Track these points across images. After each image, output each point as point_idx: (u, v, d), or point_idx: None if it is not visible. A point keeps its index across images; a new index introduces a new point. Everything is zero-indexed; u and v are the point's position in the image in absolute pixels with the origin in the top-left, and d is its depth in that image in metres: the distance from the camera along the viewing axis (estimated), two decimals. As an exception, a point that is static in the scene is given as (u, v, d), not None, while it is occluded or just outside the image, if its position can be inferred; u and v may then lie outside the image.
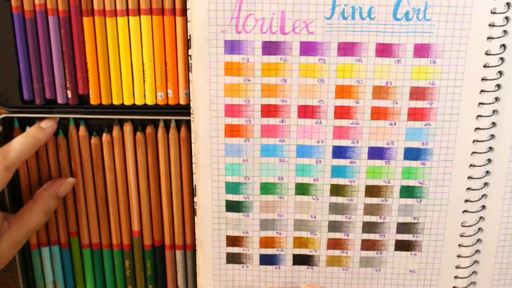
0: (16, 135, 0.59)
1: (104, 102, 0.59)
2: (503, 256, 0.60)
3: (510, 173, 0.57)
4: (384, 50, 0.54)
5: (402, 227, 0.59)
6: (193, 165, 0.58)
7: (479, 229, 0.59)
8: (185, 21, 0.56)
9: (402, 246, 0.60)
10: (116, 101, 0.59)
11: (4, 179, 0.56)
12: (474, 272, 0.60)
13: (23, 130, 0.60)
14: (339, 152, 0.57)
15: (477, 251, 0.60)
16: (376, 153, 0.57)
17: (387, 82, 0.55)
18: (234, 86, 0.56)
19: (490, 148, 0.57)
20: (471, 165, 0.57)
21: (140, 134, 0.60)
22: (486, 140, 0.56)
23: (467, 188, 0.58)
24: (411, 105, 0.56)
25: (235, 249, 0.60)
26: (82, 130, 0.60)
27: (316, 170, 0.58)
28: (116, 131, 0.60)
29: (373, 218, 0.59)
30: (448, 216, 0.59)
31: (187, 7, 0.54)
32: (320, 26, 0.54)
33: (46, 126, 0.58)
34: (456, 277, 0.60)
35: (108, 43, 0.57)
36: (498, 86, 0.55)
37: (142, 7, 0.56)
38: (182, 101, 0.59)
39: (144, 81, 0.58)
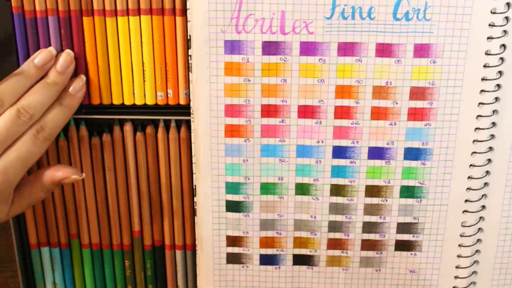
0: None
1: (104, 102, 0.59)
2: (503, 256, 0.60)
3: (510, 173, 0.57)
4: (384, 50, 0.54)
5: (402, 227, 0.59)
6: (193, 165, 0.58)
7: (479, 229, 0.59)
8: (185, 21, 0.56)
9: (402, 246, 0.60)
10: (116, 101, 0.59)
11: (42, 150, 0.54)
12: (474, 272, 0.60)
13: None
14: (339, 152, 0.57)
15: (477, 251, 0.60)
16: (376, 153, 0.57)
17: (387, 82, 0.55)
18: (234, 86, 0.56)
19: (490, 148, 0.57)
20: (471, 165, 0.57)
21: (140, 134, 0.60)
22: (486, 140, 0.56)
23: (467, 188, 0.58)
24: (411, 105, 0.56)
25: (235, 249, 0.60)
26: (82, 130, 0.60)
27: (316, 170, 0.58)
28: (116, 131, 0.60)
29: (373, 218, 0.59)
30: (448, 216, 0.59)
31: (187, 7, 0.54)
32: (320, 26, 0.54)
33: (76, 91, 0.56)
34: (456, 277, 0.60)
35: (108, 43, 0.57)
36: (498, 86, 0.55)
37: (142, 7, 0.56)
38: (182, 101, 0.59)
39: (144, 81, 0.58)
